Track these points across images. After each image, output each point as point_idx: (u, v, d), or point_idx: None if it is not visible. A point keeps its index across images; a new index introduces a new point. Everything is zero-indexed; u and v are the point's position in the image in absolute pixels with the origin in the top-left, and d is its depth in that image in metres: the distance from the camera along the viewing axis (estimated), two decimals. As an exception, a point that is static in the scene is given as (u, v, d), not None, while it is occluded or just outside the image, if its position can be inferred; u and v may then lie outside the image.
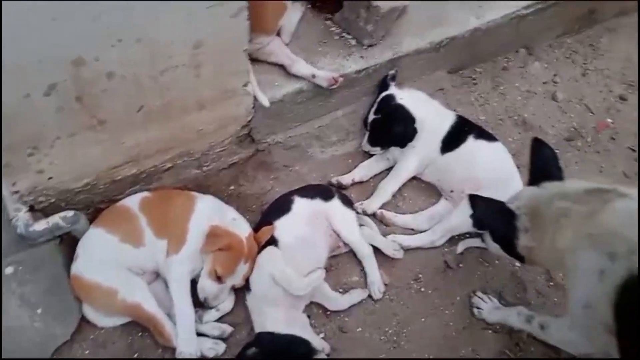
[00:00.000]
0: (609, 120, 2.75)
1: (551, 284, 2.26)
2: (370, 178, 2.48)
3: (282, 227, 2.13)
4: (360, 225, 2.27)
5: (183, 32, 1.62)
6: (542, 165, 1.89)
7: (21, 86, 1.49)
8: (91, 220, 2.08)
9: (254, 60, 2.15)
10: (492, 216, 1.83)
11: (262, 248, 2.09)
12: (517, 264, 2.25)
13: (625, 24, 3.05)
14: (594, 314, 1.51)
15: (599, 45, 2.97)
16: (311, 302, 2.15)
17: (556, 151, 2.55)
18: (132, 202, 2.09)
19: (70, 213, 1.99)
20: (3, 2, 1.29)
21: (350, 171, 2.47)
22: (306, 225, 2.16)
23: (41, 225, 1.93)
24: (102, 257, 1.98)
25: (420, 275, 2.25)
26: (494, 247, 1.99)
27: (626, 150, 2.68)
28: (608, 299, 1.44)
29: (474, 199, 1.84)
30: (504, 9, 2.50)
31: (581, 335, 1.68)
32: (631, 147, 2.68)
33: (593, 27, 3.00)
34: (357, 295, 2.17)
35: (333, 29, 2.34)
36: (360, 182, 2.46)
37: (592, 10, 2.84)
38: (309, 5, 2.36)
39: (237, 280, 2.02)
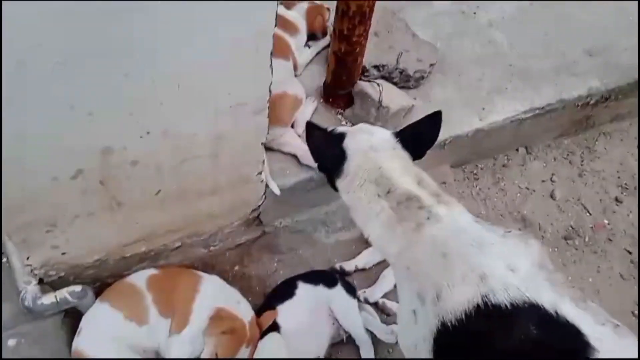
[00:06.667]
0: (606, 221, 2.82)
1: None
2: (373, 265, 2.51)
3: (285, 312, 2.15)
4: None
5: (207, 127, 1.72)
6: (420, 131, 1.79)
7: (51, 170, 1.57)
8: (97, 294, 2.10)
9: (267, 149, 2.26)
10: (324, 148, 1.78)
11: (263, 333, 2.11)
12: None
13: (620, 128, 3.19)
14: (421, 353, 1.35)
15: (595, 148, 3.09)
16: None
17: (555, 249, 2.68)
18: (140, 279, 2.11)
19: (78, 288, 2.02)
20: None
21: (354, 257, 2.51)
22: (309, 311, 2.18)
23: (49, 299, 1.96)
24: (106, 333, 1.98)
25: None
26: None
27: (622, 252, 2.72)
28: (427, 345, 1.30)
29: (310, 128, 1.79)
30: (505, 113, 2.64)
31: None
32: (627, 249, 2.72)
33: (589, 130, 3.12)
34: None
35: (344, 122, 2.46)
36: (364, 269, 2.49)
37: (588, 116, 2.99)
38: (322, 100, 2.49)
39: (236, 364, 2.03)
